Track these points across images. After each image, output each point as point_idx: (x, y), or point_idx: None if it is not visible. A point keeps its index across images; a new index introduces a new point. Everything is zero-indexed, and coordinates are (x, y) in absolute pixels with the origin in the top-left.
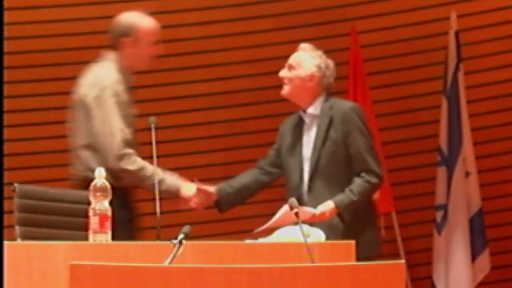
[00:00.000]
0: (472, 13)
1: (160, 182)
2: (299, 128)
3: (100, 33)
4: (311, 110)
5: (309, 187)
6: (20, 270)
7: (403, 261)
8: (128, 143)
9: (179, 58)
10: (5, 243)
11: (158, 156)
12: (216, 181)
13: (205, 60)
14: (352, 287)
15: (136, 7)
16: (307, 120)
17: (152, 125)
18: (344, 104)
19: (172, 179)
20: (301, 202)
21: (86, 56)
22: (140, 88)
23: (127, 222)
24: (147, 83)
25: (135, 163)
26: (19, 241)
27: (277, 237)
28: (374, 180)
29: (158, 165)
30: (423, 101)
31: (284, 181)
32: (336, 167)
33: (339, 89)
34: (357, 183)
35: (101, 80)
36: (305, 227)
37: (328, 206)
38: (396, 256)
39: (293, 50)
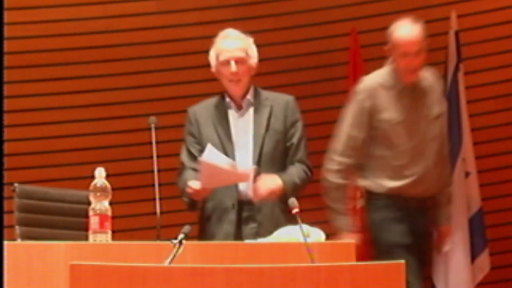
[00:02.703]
0: (472, 13)
1: None
2: (222, 115)
3: (100, 33)
4: (249, 96)
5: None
6: (20, 270)
7: (403, 261)
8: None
9: (179, 58)
10: (5, 243)
11: (158, 156)
12: None
13: (205, 60)
14: (352, 287)
15: (135, 7)
16: (244, 106)
17: (152, 125)
18: (281, 95)
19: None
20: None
21: (86, 56)
22: (140, 88)
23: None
24: (147, 83)
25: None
26: (19, 241)
27: (277, 237)
28: (309, 173)
29: (158, 165)
30: None
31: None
32: (278, 155)
33: (339, 89)
34: (298, 169)
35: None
36: (305, 227)
37: (276, 184)
38: None
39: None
